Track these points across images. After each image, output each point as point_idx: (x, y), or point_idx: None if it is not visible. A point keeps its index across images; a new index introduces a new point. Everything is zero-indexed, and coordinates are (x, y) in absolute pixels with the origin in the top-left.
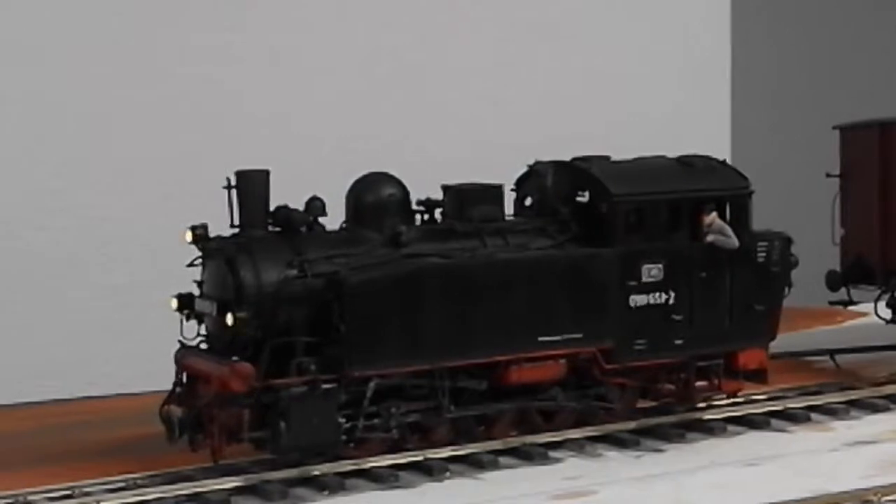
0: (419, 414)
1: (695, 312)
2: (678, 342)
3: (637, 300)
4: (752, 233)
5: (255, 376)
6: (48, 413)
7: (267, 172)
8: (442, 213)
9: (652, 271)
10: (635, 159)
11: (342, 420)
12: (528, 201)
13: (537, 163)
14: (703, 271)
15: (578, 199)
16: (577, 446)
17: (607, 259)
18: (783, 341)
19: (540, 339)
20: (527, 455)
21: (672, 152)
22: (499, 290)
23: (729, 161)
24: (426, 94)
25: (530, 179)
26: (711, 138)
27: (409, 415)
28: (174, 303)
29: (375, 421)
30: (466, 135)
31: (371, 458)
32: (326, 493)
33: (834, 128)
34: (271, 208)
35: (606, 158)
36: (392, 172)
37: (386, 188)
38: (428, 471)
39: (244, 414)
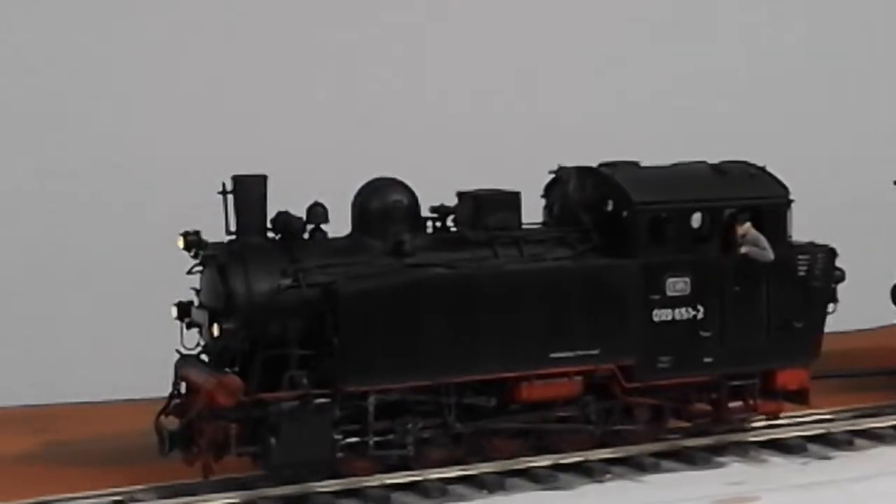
0: (427, 431)
1: (726, 328)
2: (707, 360)
3: (661, 315)
4: (791, 244)
5: (243, 390)
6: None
7: (264, 177)
8: (455, 221)
9: (678, 284)
10: (668, 166)
11: (338, 436)
12: (555, 209)
13: (561, 168)
14: (736, 285)
15: (602, 207)
16: (742, 451)
17: (628, 271)
18: None
19: (552, 355)
20: (690, 459)
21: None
22: (507, 302)
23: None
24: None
25: (557, 186)
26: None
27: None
28: (174, 311)
29: (390, 437)
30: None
31: (532, 458)
32: (485, 492)
33: None
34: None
35: (635, 164)
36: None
37: (392, 194)
38: (588, 472)
39: (231, 428)
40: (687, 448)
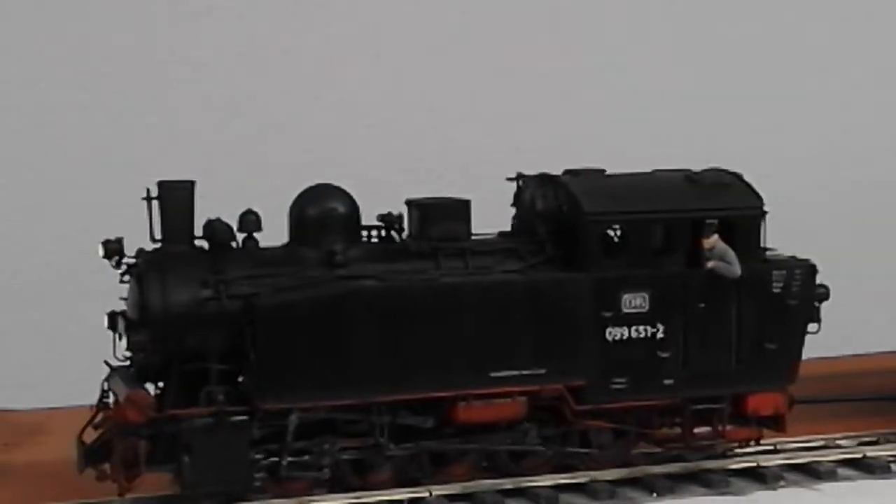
0: (357, 452)
1: (689, 349)
2: (668, 382)
3: (615, 333)
4: (766, 259)
5: (154, 405)
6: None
7: (191, 183)
8: (398, 231)
9: (635, 301)
10: (637, 174)
11: (258, 456)
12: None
13: (520, 176)
14: (701, 302)
15: (558, 217)
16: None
17: (578, 285)
18: None
19: (493, 374)
20: (867, 467)
21: None
22: (443, 317)
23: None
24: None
25: (520, 195)
26: None
27: (345, 452)
28: (106, 320)
29: (306, 458)
30: None
31: (703, 462)
32: (654, 495)
33: None
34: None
35: (601, 172)
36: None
37: (328, 202)
38: (761, 478)
39: (140, 445)
40: (866, 457)
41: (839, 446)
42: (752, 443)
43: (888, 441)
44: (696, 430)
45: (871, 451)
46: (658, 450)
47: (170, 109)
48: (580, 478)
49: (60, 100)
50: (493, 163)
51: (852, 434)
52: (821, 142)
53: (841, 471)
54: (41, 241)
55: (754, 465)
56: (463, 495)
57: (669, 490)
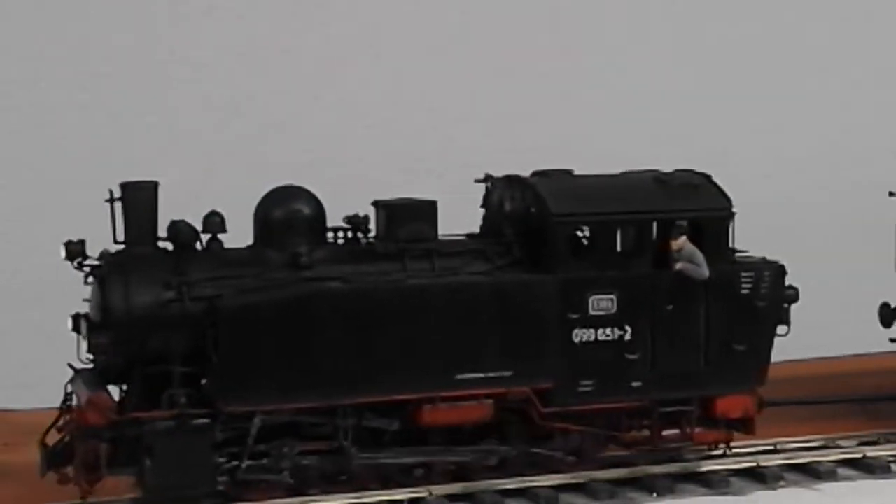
0: (320, 456)
1: (658, 351)
2: (635, 384)
3: (582, 335)
4: (734, 261)
5: (115, 408)
6: None
7: (155, 184)
8: (365, 232)
9: (602, 303)
10: (606, 175)
11: (222, 459)
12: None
13: (488, 177)
14: (669, 304)
15: (526, 218)
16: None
17: (544, 287)
18: None
19: (459, 376)
20: (867, 467)
21: None
22: (409, 319)
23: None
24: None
25: (489, 196)
26: None
27: (306, 456)
28: (70, 322)
29: (264, 461)
30: None
31: (704, 462)
32: (654, 495)
33: None
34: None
35: (569, 173)
36: None
37: (293, 204)
38: (761, 478)
39: (101, 448)
40: (866, 457)
41: (839, 446)
42: (721, 446)
43: (888, 441)
44: (664, 433)
45: (871, 451)
46: (627, 452)
47: (170, 109)
48: (580, 478)
49: (60, 100)
50: (494, 163)
51: (852, 434)
52: (821, 142)
53: (841, 471)
54: (41, 242)
55: (754, 465)
56: (463, 495)
57: (669, 490)
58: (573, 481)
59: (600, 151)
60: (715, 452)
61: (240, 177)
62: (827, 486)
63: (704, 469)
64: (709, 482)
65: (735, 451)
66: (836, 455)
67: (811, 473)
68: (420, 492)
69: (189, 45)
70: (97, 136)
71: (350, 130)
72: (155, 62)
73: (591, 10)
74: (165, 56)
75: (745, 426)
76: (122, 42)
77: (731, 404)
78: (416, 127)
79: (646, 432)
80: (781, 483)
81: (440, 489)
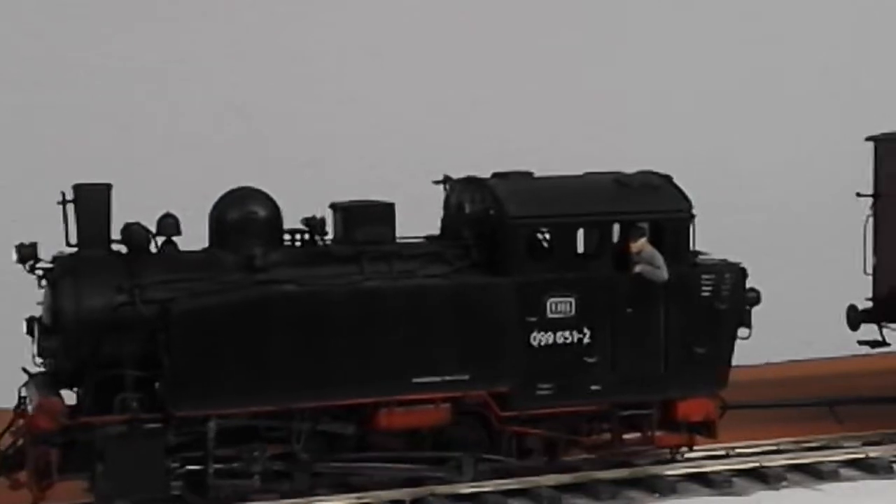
0: (278, 460)
1: (617, 354)
2: (595, 388)
3: (540, 338)
4: (695, 263)
5: (66, 413)
6: None
7: (108, 186)
8: (321, 234)
9: (560, 305)
10: (566, 177)
11: (174, 464)
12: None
13: (446, 179)
14: (629, 306)
15: (483, 220)
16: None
17: (501, 290)
18: None
19: (415, 380)
20: (870, 468)
21: None
22: (364, 322)
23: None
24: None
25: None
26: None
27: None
28: (25, 326)
29: (234, 465)
30: None
31: (706, 463)
32: (657, 495)
33: (868, 139)
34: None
35: (528, 174)
36: None
37: (248, 206)
38: (764, 478)
39: (52, 453)
40: (870, 458)
41: (841, 446)
42: (686, 449)
43: (891, 441)
44: (625, 437)
45: (874, 452)
46: (591, 456)
47: (170, 109)
48: (583, 478)
49: (60, 100)
50: (494, 163)
51: (854, 434)
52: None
53: (843, 471)
54: (41, 241)
55: (757, 465)
56: (464, 495)
57: (672, 490)
58: (576, 481)
59: (600, 151)
60: (683, 455)
61: (240, 177)
62: (829, 487)
63: (707, 469)
64: (711, 482)
65: (738, 451)
66: (838, 455)
67: (814, 474)
68: (420, 492)
69: (189, 44)
70: (97, 135)
71: (350, 130)
72: (155, 62)
73: (591, 10)
74: (165, 56)
75: (707, 430)
76: (122, 42)
77: (693, 408)
78: (416, 127)
79: (607, 436)
80: (784, 483)
81: (441, 489)
